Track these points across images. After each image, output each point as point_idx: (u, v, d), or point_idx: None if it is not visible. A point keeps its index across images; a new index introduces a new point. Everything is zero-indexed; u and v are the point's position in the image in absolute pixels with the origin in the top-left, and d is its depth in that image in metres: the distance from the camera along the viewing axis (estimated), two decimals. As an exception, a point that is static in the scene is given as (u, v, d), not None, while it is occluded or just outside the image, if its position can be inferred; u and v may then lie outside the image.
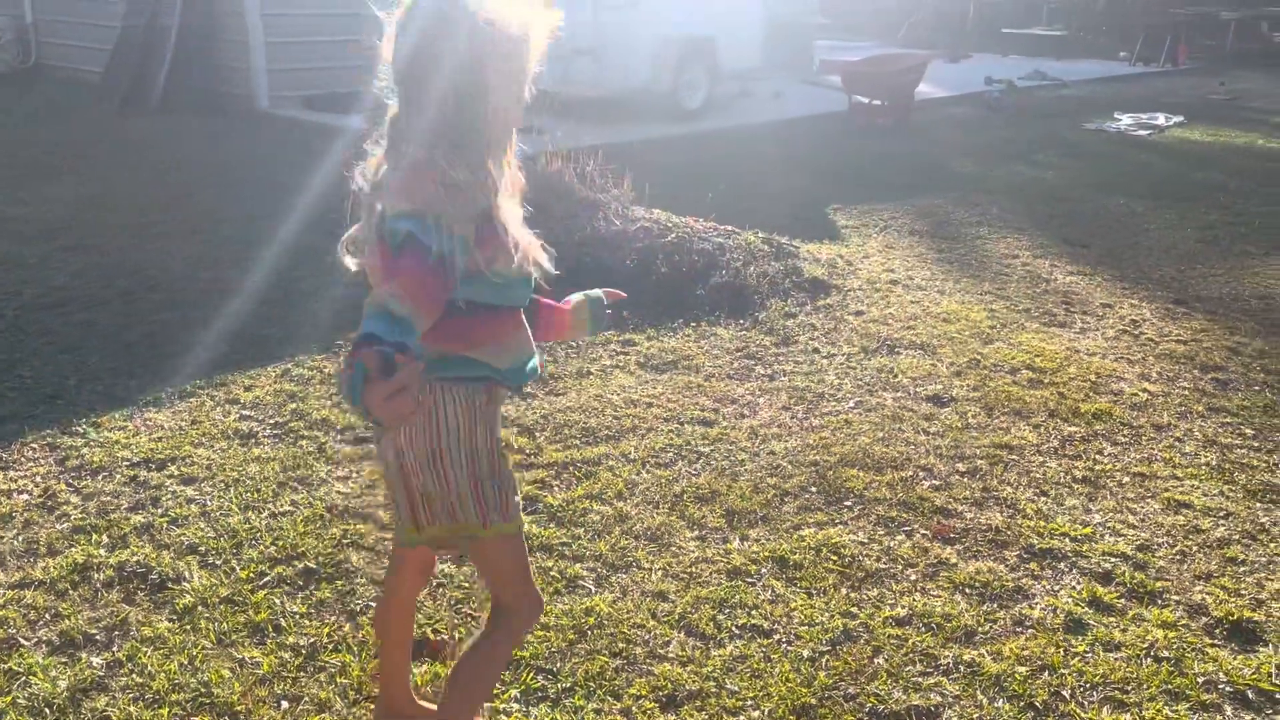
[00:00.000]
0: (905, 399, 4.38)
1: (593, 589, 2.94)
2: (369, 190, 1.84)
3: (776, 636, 2.76)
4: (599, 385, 4.45)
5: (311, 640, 2.66)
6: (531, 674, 2.54)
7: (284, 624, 2.73)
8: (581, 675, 2.54)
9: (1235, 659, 2.62)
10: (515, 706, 2.43)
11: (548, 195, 6.05)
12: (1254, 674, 2.56)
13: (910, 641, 2.70)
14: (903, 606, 2.86)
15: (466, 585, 2.92)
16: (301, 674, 2.54)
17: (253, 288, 5.59)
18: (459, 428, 1.85)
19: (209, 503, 3.37)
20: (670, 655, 2.65)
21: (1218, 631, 2.75)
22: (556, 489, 3.51)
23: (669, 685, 2.50)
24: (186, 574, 2.95)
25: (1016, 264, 6.57)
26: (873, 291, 5.91)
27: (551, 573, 3.00)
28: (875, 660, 2.63)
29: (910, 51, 13.20)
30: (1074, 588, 2.94)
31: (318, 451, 3.75)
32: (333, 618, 2.77)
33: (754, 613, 2.85)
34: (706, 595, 2.92)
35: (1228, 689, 2.51)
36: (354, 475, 3.56)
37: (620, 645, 2.67)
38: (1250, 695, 2.49)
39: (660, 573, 3.02)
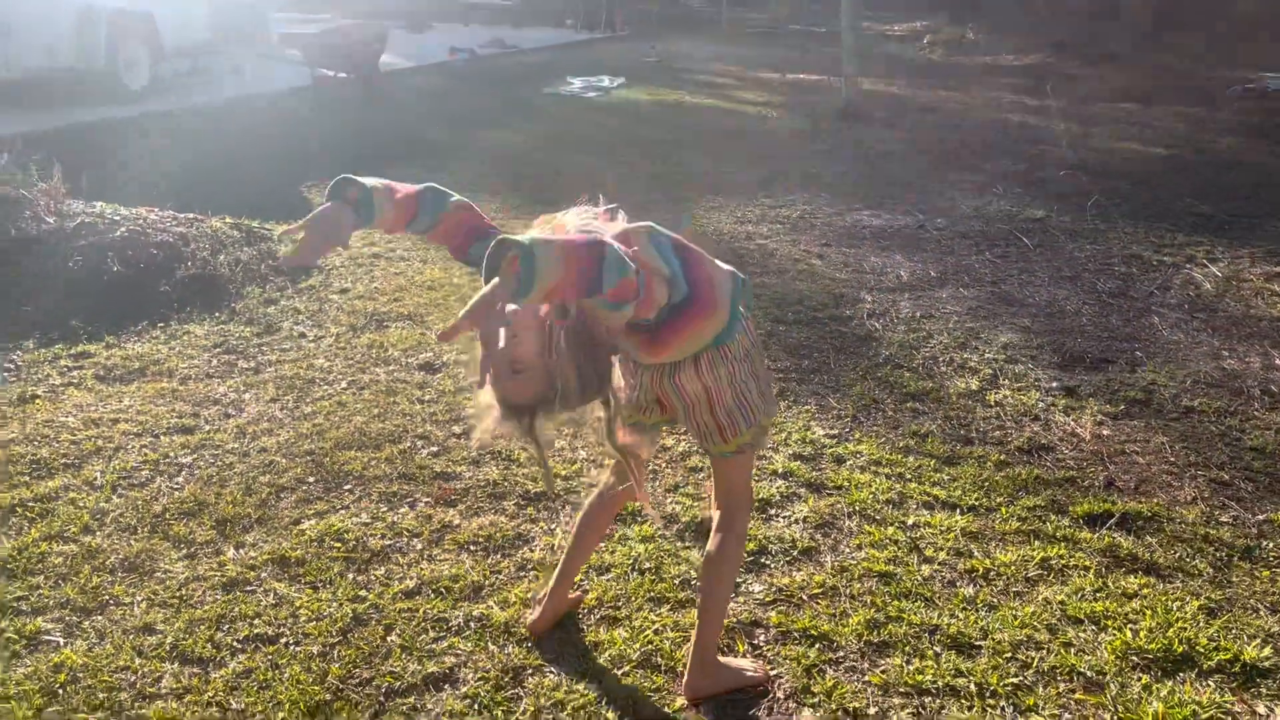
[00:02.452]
0: (398, 371, 4.37)
1: (61, 641, 2.57)
2: None
3: (284, 640, 2.62)
4: (49, 409, 3.89)
5: None
6: (-12, 758, 2.17)
7: None
8: (55, 742, 2.22)
9: (702, 556, 2.97)
10: (-31, 801, 2.05)
11: (-47, 196, 5.14)
12: (718, 566, 2.92)
13: (421, 611, 2.71)
14: (411, 578, 2.86)
15: None
16: None
17: None
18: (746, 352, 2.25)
19: None
20: (164, 691, 2.41)
21: (687, 535, 3.10)
22: (4, 538, 3.02)
23: (163, 724, 2.27)
24: None
25: (493, 226, 6.84)
26: (355, 267, 5.81)
27: (6, 634, 2.57)
28: (388, 639, 2.60)
29: (370, 21, 13.07)
30: (566, 524, 3.14)
31: None
32: None
33: (256, 621, 2.68)
34: (201, 615, 2.69)
35: (698, 583, 2.84)
36: None
37: (101, 696, 2.37)
38: (716, 585, 2.84)
39: (144, 604, 2.73)
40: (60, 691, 2.38)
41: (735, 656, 2.52)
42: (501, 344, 1.82)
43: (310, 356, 4.52)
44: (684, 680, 2.40)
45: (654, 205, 7.52)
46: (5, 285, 4.98)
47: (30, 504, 3.19)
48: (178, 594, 2.77)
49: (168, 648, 2.56)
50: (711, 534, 2.40)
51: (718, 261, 2.21)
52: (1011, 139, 10.07)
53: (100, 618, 2.67)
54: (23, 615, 2.66)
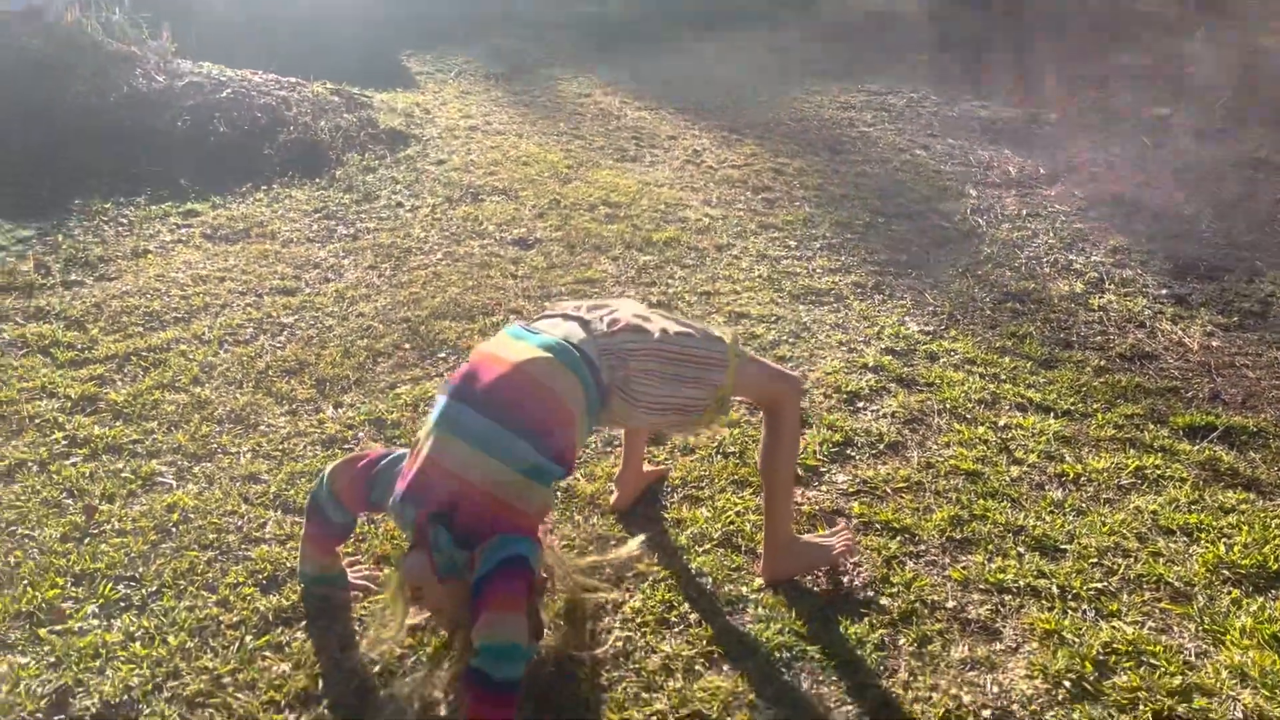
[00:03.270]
0: (492, 245, 4.40)
1: (174, 484, 2.72)
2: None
3: (379, 497, 2.73)
4: (160, 264, 4.02)
5: None
6: (109, 585, 2.32)
7: None
8: (169, 575, 2.37)
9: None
10: (93, 623, 2.21)
11: (69, 51, 5.24)
12: (802, 453, 2.92)
13: (510, 479, 2.78)
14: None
15: (20, 503, 2.58)
16: None
17: None
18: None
19: None
20: (268, 536, 2.53)
21: (773, 423, 3.11)
22: (119, 383, 3.17)
23: (269, 567, 2.40)
24: None
25: (589, 103, 6.75)
26: (452, 139, 5.81)
27: (123, 474, 2.73)
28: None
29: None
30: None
31: None
32: None
33: (353, 478, 2.79)
34: (302, 469, 2.81)
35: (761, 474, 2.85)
36: None
37: (210, 537, 2.51)
38: (799, 472, 2.85)
39: (250, 454, 2.85)
40: (173, 530, 2.53)
41: (813, 534, 2.54)
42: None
43: (407, 226, 4.57)
44: (761, 564, 2.44)
45: (745, 87, 7.31)
46: (117, 142, 5.12)
47: (144, 354, 3.34)
48: (280, 447, 2.89)
49: (270, 496, 2.68)
50: (764, 424, 2.42)
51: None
52: (1136, 29, 9.47)
53: (209, 464, 2.80)
54: (138, 457, 2.81)
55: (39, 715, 1.98)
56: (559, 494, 2.72)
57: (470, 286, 3.97)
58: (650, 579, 2.40)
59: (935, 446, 3.01)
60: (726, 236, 4.58)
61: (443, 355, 3.45)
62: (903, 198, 5.16)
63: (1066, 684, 2.11)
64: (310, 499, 2.27)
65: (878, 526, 2.63)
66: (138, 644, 2.16)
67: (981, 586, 2.41)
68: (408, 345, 3.51)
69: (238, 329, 3.55)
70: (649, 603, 2.32)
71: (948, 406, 3.21)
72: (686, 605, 2.32)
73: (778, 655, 2.18)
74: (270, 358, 3.36)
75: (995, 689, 2.10)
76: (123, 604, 2.28)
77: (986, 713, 2.04)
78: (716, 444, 2.96)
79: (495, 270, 4.13)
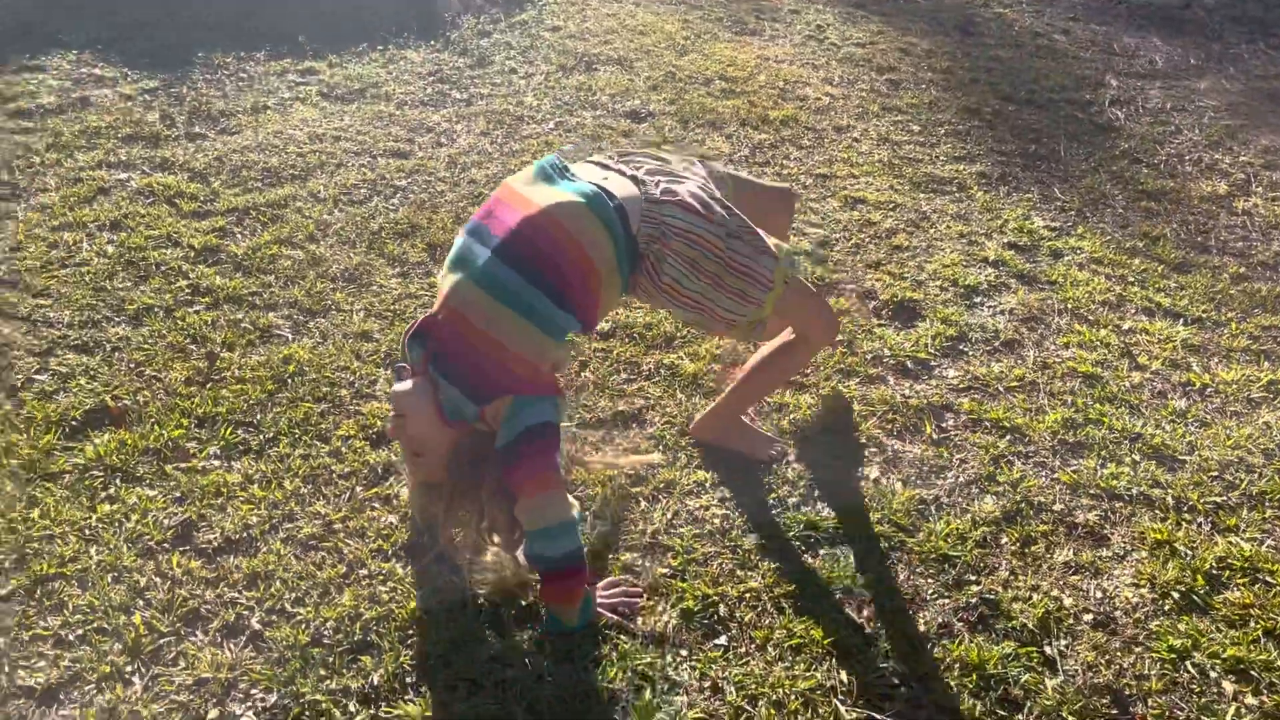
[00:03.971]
0: (604, 116, 4.32)
1: (290, 337, 2.79)
2: None
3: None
4: (278, 120, 4.06)
5: None
6: (230, 429, 2.42)
7: None
8: (285, 423, 2.45)
9: (898, 335, 2.91)
10: (215, 464, 2.32)
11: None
12: (913, 346, 2.85)
13: (615, 352, 2.79)
14: (606, 321, 2.93)
15: (147, 346, 2.69)
16: None
17: None
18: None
19: None
20: (379, 393, 2.60)
21: (884, 312, 3.03)
22: (239, 236, 3.25)
23: (379, 422, 2.47)
24: None
25: (710, -28, 6.49)
26: (568, 5, 5.68)
27: (242, 324, 2.81)
28: (582, 374, 2.70)
29: None
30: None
31: (-57, 216, 3.23)
32: None
33: (461, 342, 2.82)
34: (412, 330, 2.85)
35: (891, 361, 2.80)
36: None
37: (324, 390, 2.58)
38: (909, 365, 2.78)
39: (362, 313, 2.91)
40: (289, 381, 2.61)
41: (763, 431, 2.48)
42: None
43: (520, 94, 4.52)
44: (695, 419, 2.45)
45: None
46: (238, -4, 5.14)
47: (263, 208, 3.40)
48: (392, 307, 2.94)
49: (382, 355, 2.74)
50: (784, 336, 2.33)
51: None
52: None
53: (323, 320, 2.87)
54: (257, 309, 2.89)
55: (165, 545, 2.09)
56: (665, 373, 2.71)
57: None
58: (750, 461, 2.40)
59: (1053, 347, 2.90)
60: (847, 118, 4.41)
61: (551, 226, 3.43)
62: (1036, 85, 4.88)
63: (1175, 595, 2.05)
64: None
65: (987, 424, 2.56)
66: (256, 486, 2.25)
67: (1092, 491, 2.34)
68: (517, 214, 3.49)
69: (352, 189, 3.59)
70: (748, 484, 2.32)
71: (1069, 306, 3.08)
72: (785, 489, 2.32)
73: (877, 544, 2.17)
74: (383, 219, 3.40)
75: (1099, 594, 2.06)
76: (242, 448, 2.38)
77: (1088, 617, 2.01)
78: (824, 330, 2.91)
79: (607, 142, 4.06)
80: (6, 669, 1.81)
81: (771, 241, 2.16)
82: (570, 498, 1.91)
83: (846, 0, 6.08)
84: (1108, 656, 1.92)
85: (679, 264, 2.02)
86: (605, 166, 2.08)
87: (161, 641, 1.88)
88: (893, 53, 5.23)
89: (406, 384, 1.88)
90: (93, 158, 3.66)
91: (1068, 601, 2.04)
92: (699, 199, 2.06)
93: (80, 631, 1.89)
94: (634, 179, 2.04)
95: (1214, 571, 2.11)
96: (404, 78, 4.59)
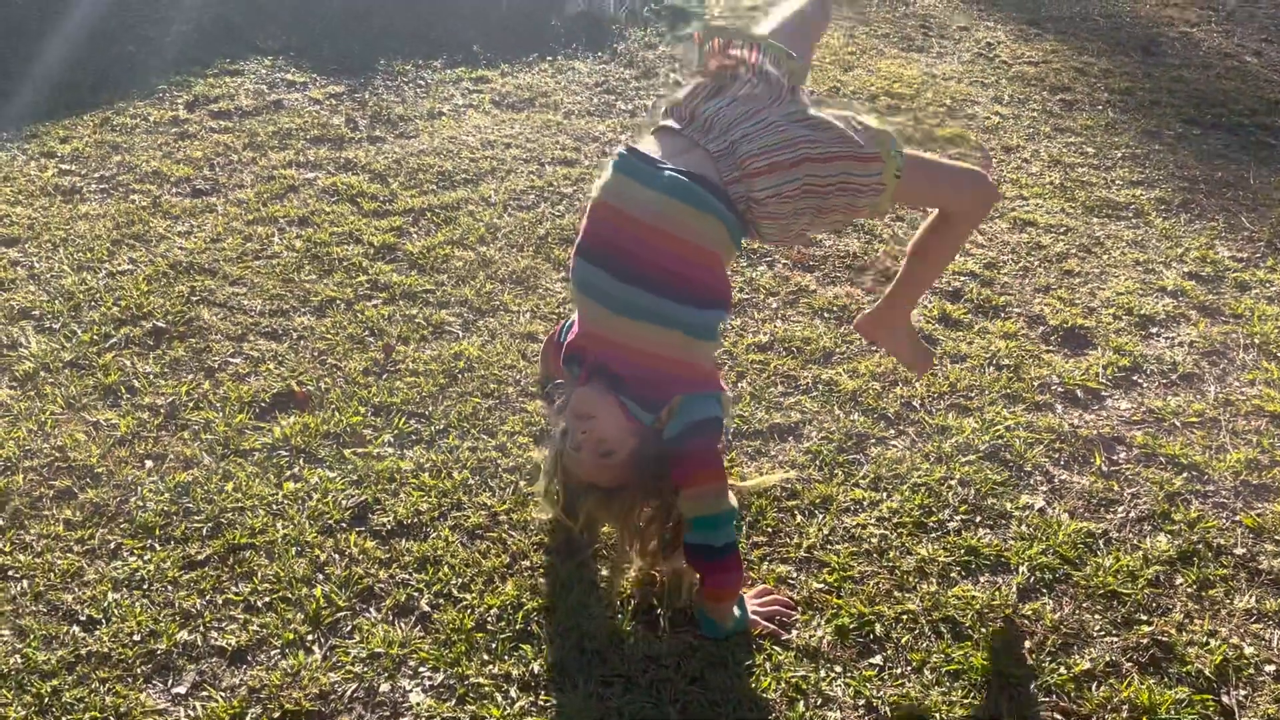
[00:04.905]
0: (767, 130, 4.33)
1: (460, 334, 2.91)
2: None
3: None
4: (453, 126, 4.24)
5: (170, 399, 2.58)
6: (403, 419, 2.54)
7: (138, 385, 2.63)
8: (455, 417, 2.56)
9: (1068, 363, 2.82)
10: (389, 451, 2.43)
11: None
12: (1083, 375, 2.76)
13: (772, 365, 2.80)
14: (764, 334, 2.94)
15: (330, 336, 2.85)
16: (163, 433, 2.47)
17: (53, 27, 5.01)
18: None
19: (36, 264, 3.15)
20: (543, 392, 2.68)
21: (1053, 339, 2.94)
22: (415, 236, 3.40)
23: (542, 420, 2.55)
24: (22, 339, 2.79)
25: (877, -13, 6.42)
26: (736, 18, 5.71)
27: (416, 320, 2.95)
28: (739, 385, 2.72)
29: None
30: (925, 306, 3.07)
31: (152, 206, 3.50)
32: (190, 375, 2.68)
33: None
34: (575, 333, 2.93)
35: (1059, 389, 2.71)
36: (195, 229, 3.36)
37: (492, 386, 2.68)
38: (1079, 394, 2.70)
39: (528, 315, 3.01)
40: (459, 376, 2.72)
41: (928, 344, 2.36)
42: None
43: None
44: (862, 314, 2.26)
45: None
46: (419, 8, 5.38)
47: (437, 210, 3.55)
48: (556, 310, 3.02)
49: (546, 356, 2.82)
50: (936, 215, 2.07)
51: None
52: None
53: (492, 319, 2.98)
54: (430, 306, 3.03)
55: (343, 524, 2.22)
56: (823, 388, 2.70)
57: (743, 170, 3.94)
58: (910, 482, 2.37)
59: (1237, 383, 2.76)
60: (1017, 138, 4.29)
61: (712, 237, 3.46)
62: (1224, 108, 4.64)
63: (1370, 655, 1.93)
64: (541, 390, 2.31)
65: (1161, 460, 2.46)
66: (426, 474, 2.36)
67: (1277, 537, 2.22)
68: (679, 224, 3.54)
69: (521, 195, 3.71)
70: (906, 505, 2.30)
71: (1256, 341, 2.92)
72: (946, 512, 2.28)
73: (1039, 575, 2.11)
74: (550, 225, 3.50)
75: (1283, 647, 1.95)
76: (414, 437, 2.49)
77: (1270, 668, 1.90)
78: (990, 354, 2.84)
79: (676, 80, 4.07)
80: (201, 629, 1.95)
81: (874, 129, 1.91)
82: (730, 496, 1.93)
83: (1020, 18, 5.91)
84: (1292, 712, 1.82)
85: (774, 225, 1.91)
86: (675, 134, 1.91)
87: (339, 615, 1.99)
88: (1067, 72, 5.06)
89: (585, 393, 1.90)
90: (284, 157, 3.90)
91: (1249, 650, 1.94)
92: (772, 150, 1.84)
93: (267, 599, 2.02)
94: (708, 154, 1.85)
95: None
96: (572, 88, 4.71)
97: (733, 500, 1.92)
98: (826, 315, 3.04)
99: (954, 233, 2.10)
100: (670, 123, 1.95)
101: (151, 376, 2.66)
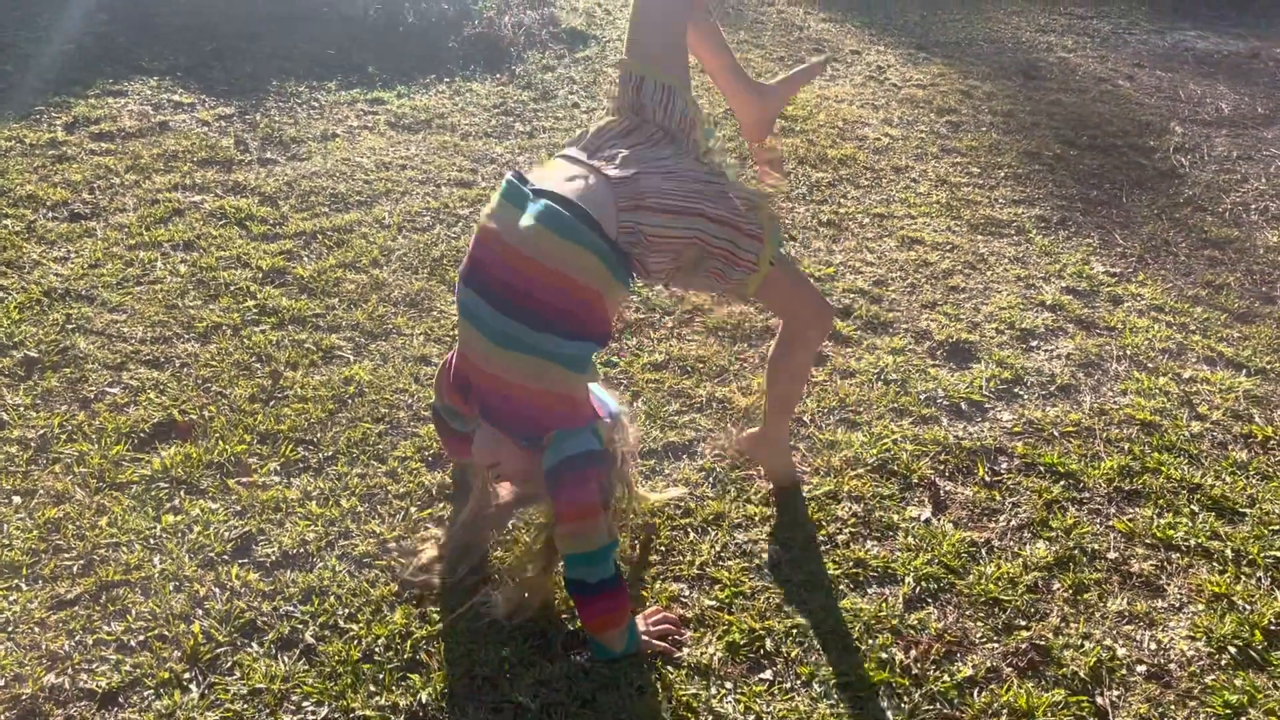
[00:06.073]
0: (664, 151, 4.37)
1: (351, 358, 2.86)
2: None
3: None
4: (347, 148, 4.18)
5: (41, 432, 2.48)
6: (290, 446, 2.48)
7: (6, 417, 2.52)
8: (344, 443, 2.51)
9: (953, 376, 2.90)
10: (275, 480, 2.37)
11: (273, -65, 5.42)
12: (967, 388, 2.84)
13: (667, 384, 2.81)
14: (660, 352, 2.96)
15: (215, 363, 2.77)
16: (32, 467, 2.37)
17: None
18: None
19: (-101, 295, 3.00)
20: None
21: (939, 353, 3.03)
22: (306, 259, 3.34)
23: (434, 445, 2.51)
24: (-119, 374, 2.65)
25: (771, 12, 6.55)
26: (631, 42, 5.77)
27: (306, 345, 2.88)
28: (634, 404, 2.73)
29: None
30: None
31: (26, 231, 3.37)
32: (64, 406, 2.57)
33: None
34: (469, 355, 2.90)
35: (945, 403, 2.79)
36: (73, 255, 3.24)
37: (383, 411, 2.64)
38: (963, 406, 2.77)
39: (422, 337, 2.97)
40: (349, 401, 2.67)
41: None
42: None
43: (582, 126, 4.59)
44: (742, 435, 2.50)
45: (940, 2, 6.94)
46: (314, 25, 5.30)
47: (329, 233, 3.49)
48: (451, 333, 2.99)
49: (439, 379, 2.79)
50: (777, 341, 2.24)
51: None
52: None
53: (384, 343, 2.93)
54: (320, 330, 2.97)
55: (225, 557, 2.15)
56: (717, 405, 2.73)
57: (640, 191, 3.97)
58: (801, 497, 2.40)
59: (1110, 393, 2.87)
60: (905, 158, 4.42)
61: (609, 257, 3.47)
62: (1099, 130, 4.85)
63: (1232, 650, 2.01)
64: (433, 414, 2.33)
65: (1040, 469, 2.54)
66: (314, 503, 2.31)
67: (1148, 541, 2.31)
68: (575, 245, 3.54)
69: (416, 216, 3.67)
70: (797, 519, 2.33)
71: (1128, 353, 3.05)
72: (834, 526, 2.32)
73: (924, 585, 2.16)
74: (445, 246, 3.47)
75: (1153, 645, 2.03)
76: (302, 465, 2.44)
77: (1141, 668, 1.98)
78: (878, 370, 2.91)
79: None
80: (70, 672, 1.87)
81: (764, 212, 2.01)
82: (611, 525, 1.93)
83: (909, 42, 6.10)
84: (1161, 709, 1.89)
85: (662, 262, 1.96)
86: (576, 162, 1.94)
87: (219, 651, 1.93)
88: (954, 95, 5.24)
89: (482, 436, 1.98)
90: (169, 180, 3.79)
91: (1121, 651, 2.01)
92: (671, 194, 1.91)
93: (142, 637, 1.95)
94: (608, 180, 1.88)
95: (1273, 627, 2.07)
96: (469, 109, 4.70)
97: (610, 532, 1.91)
98: (720, 333, 3.08)
99: (795, 360, 2.23)
100: (573, 151, 1.98)
101: (22, 409, 2.55)
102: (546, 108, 4.79)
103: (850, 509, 2.37)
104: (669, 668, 1.93)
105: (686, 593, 2.12)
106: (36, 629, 1.95)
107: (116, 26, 5.19)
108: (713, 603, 2.09)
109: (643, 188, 1.88)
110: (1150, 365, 3.00)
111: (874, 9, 6.82)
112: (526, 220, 1.82)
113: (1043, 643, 2.02)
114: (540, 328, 1.82)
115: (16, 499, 2.27)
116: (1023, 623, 2.07)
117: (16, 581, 2.06)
